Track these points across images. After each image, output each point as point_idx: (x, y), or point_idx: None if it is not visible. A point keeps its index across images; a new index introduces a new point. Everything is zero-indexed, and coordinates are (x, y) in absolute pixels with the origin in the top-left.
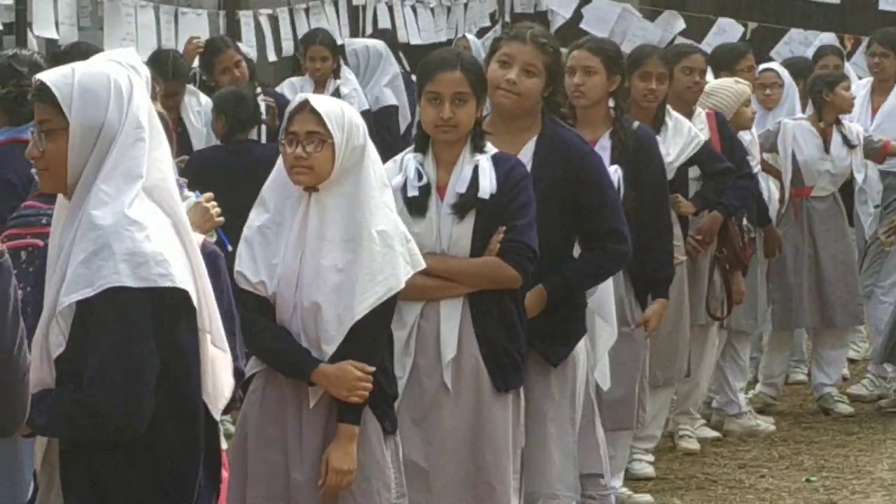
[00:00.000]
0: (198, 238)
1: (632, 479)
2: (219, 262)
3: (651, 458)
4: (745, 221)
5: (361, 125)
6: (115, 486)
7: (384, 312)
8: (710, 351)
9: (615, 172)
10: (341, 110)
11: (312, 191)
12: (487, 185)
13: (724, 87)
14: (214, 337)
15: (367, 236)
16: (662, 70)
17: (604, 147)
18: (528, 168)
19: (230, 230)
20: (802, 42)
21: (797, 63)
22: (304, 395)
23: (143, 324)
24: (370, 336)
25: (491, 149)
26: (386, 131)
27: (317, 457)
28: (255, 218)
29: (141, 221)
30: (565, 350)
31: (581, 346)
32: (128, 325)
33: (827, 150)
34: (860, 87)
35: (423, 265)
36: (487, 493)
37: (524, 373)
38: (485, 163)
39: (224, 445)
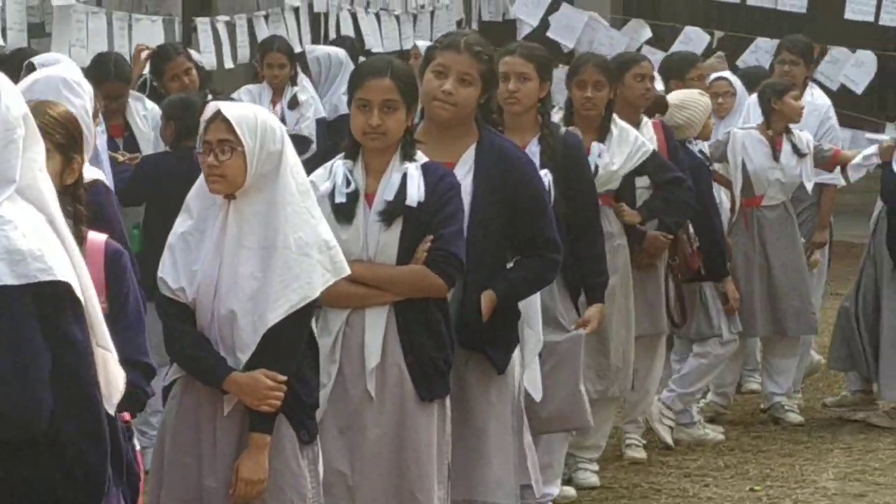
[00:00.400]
0: (100, 237)
1: (576, 489)
2: (122, 261)
3: (596, 467)
4: (691, 230)
5: (278, 129)
6: (23, 485)
7: (299, 320)
8: (658, 361)
9: (545, 176)
10: (254, 116)
11: (231, 198)
12: (415, 193)
13: (695, 101)
14: (97, 335)
15: (282, 243)
16: (599, 78)
17: (532, 152)
18: (470, 177)
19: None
20: (769, 51)
21: (755, 73)
22: (220, 403)
23: (29, 321)
24: (284, 344)
25: (421, 157)
26: (342, 140)
27: (229, 464)
28: (180, 224)
29: (14, 220)
30: (508, 356)
31: (516, 354)
32: (13, 324)
33: (776, 158)
34: None
35: (346, 272)
36: (411, 502)
37: (464, 380)
38: (413, 171)
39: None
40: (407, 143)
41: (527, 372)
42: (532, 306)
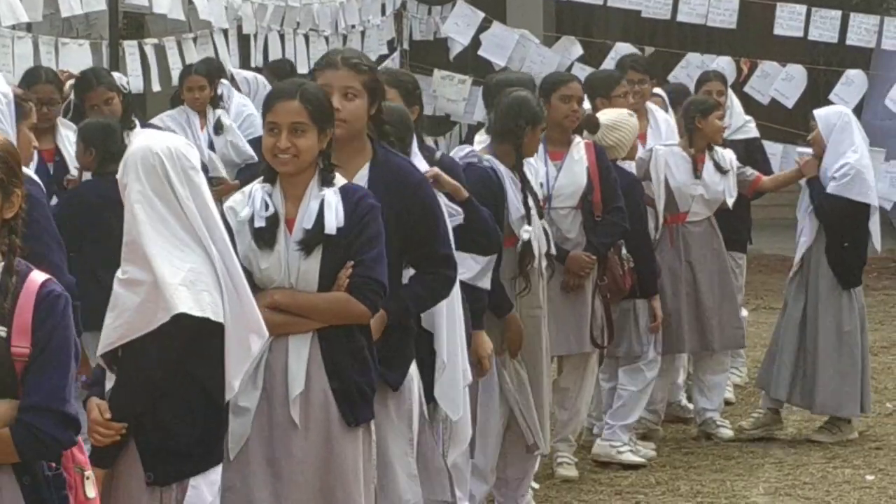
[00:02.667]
0: (40, 277)
1: None
2: (56, 304)
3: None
4: (623, 251)
5: (158, 165)
6: None
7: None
8: (589, 379)
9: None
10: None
11: None
12: (333, 221)
13: (625, 122)
14: None
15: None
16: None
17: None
18: None
19: (107, 263)
20: (700, 66)
21: (677, 90)
22: None
23: None
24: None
25: (340, 181)
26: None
27: None
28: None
29: None
30: (402, 374)
31: (413, 369)
32: None
33: (698, 175)
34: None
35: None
36: None
37: None
38: (331, 197)
39: None
40: (324, 167)
41: (444, 390)
42: (440, 324)
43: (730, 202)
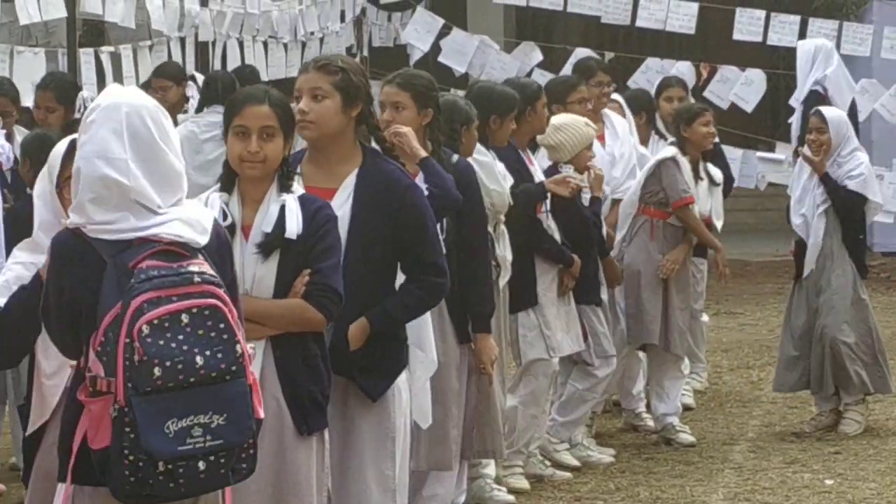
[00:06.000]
0: None
1: None
2: None
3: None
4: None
5: None
6: None
7: None
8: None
9: None
10: None
11: None
12: (294, 225)
13: (574, 126)
14: None
15: None
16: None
17: (424, 180)
18: (350, 202)
19: None
20: (659, 71)
21: (637, 95)
22: None
23: None
24: None
25: (297, 189)
26: None
27: None
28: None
29: None
30: (385, 384)
31: (403, 380)
32: None
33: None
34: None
35: None
36: None
37: (347, 405)
38: (292, 203)
39: None
40: (284, 173)
41: (414, 399)
42: (423, 329)
43: (718, 224)
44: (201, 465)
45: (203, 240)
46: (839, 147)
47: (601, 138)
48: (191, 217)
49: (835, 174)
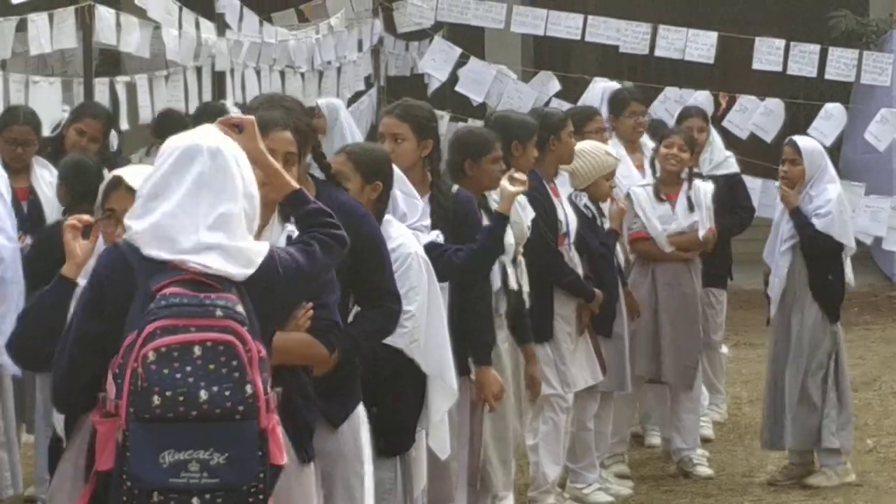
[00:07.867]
0: None
1: None
2: None
3: None
4: None
5: None
6: None
7: None
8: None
9: (437, 237)
10: None
11: None
12: None
13: (592, 154)
14: None
15: None
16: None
17: (423, 211)
18: None
19: None
20: (678, 100)
21: (655, 125)
22: None
23: None
24: None
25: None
26: None
27: None
28: None
29: None
30: (347, 409)
31: (360, 410)
32: None
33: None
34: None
35: None
36: None
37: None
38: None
39: None
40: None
41: (433, 428)
42: (444, 357)
43: (700, 234)
44: (195, 501)
45: (243, 273)
46: (812, 179)
47: (640, 168)
48: (235, 248)
49: (804, 209)
